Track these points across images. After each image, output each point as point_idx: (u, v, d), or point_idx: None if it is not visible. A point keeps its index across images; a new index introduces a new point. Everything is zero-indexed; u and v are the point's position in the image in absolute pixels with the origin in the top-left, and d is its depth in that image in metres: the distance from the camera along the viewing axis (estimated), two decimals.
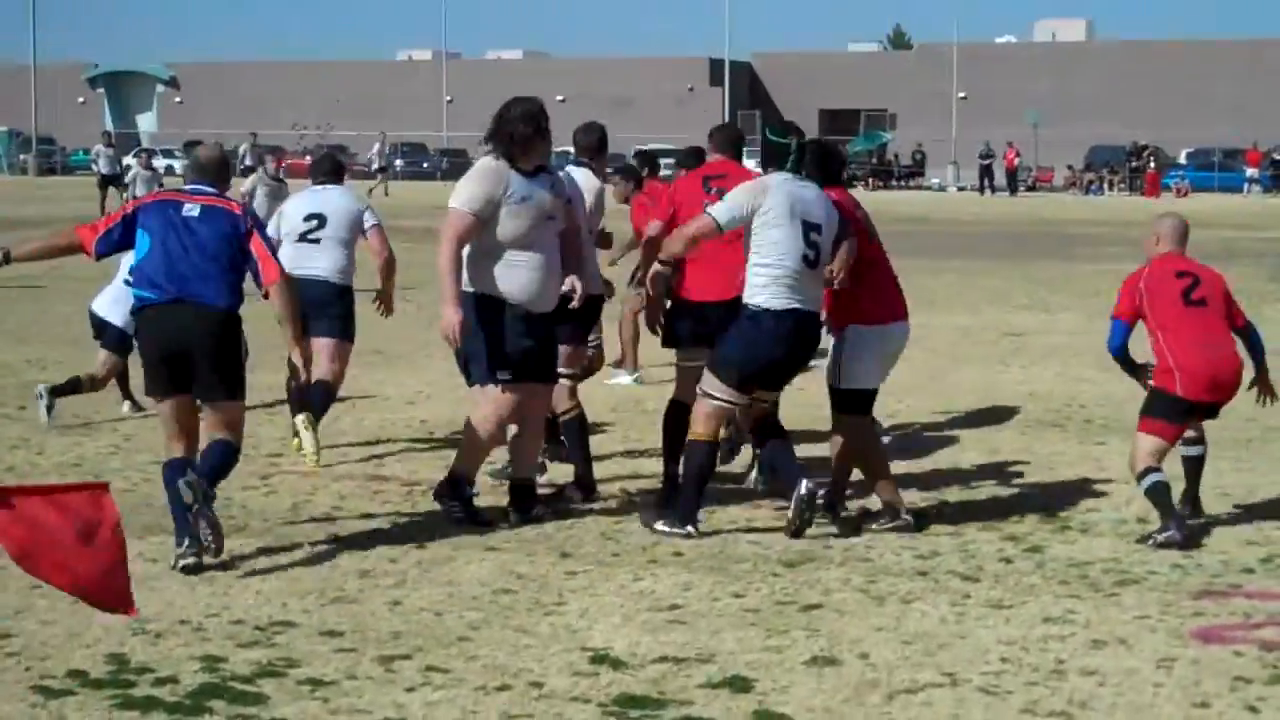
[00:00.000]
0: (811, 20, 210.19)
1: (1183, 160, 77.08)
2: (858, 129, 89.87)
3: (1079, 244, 34.71)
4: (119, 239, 8.32)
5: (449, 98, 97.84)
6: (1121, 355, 9.03)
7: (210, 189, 8.42)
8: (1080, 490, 9.90)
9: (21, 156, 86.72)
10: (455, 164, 73.91)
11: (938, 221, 44.89)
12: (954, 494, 9.79)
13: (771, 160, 8.93)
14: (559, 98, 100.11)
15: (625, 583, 7.74)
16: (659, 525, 8.68)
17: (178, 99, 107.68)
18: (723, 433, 9.26)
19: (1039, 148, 77.86)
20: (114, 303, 11.79)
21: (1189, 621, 7.13)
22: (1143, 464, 8.63)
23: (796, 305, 8.52)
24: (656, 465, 9.71)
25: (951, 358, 16.12)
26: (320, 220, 10.80)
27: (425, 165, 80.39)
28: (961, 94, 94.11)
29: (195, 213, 8.20)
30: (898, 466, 10.45)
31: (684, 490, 8.81)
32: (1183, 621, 7.13)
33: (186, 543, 7.89)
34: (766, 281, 8.52)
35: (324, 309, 10.49)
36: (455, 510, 8.94)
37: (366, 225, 11.06)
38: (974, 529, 8.88)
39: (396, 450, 11.11)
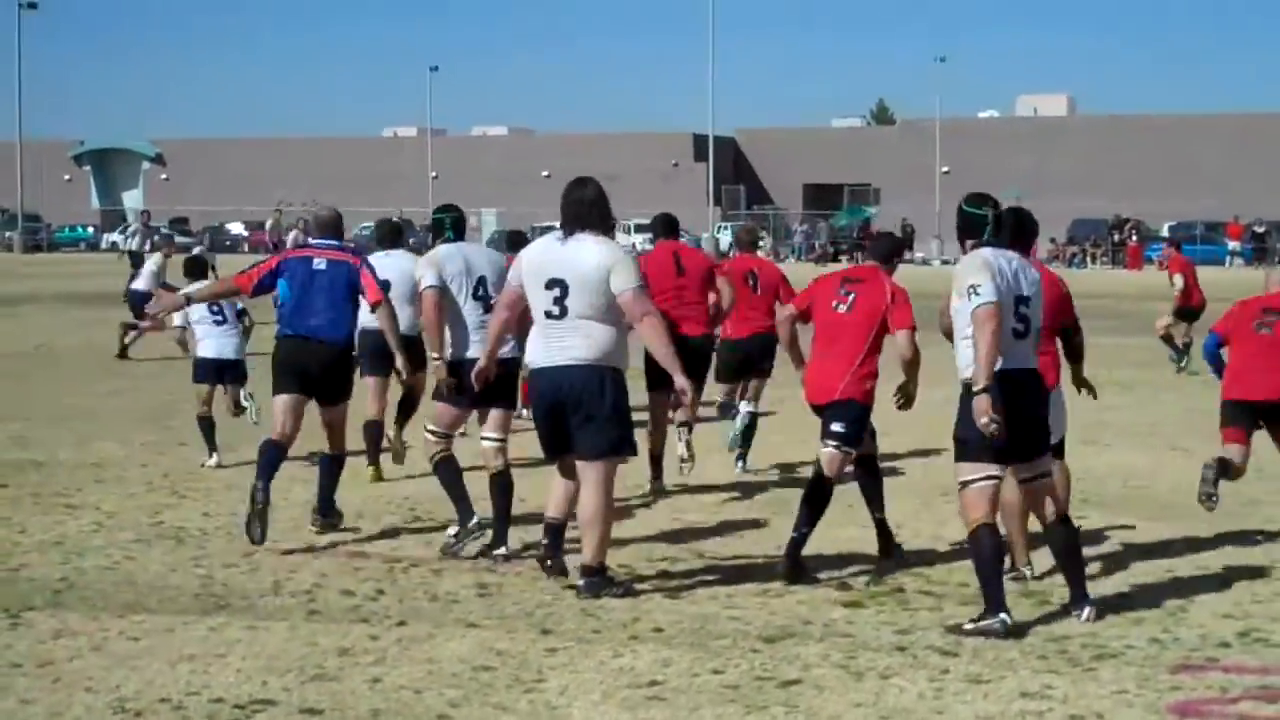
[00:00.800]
0: (795, 96, 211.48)
1: (1165, 233, 77.49)
2: (841, 203, 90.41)
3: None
4: (267, 284, 10.73)
5: (434, 174, 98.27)
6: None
7: (333, 243, 10.96)
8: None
9: (7, 234, 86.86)
10: None
11: (922, 296, 45.00)
12: (936, 571, 9.81)
13: (969, 232, 9.00)
14: (544, 173, 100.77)
15: (605, 659, 7.76)
16: (968, 626, 8.25)
17: (164, 175, 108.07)
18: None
19: None
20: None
21: (1166, 696, 7.16)
22: None
23: (1004, 368, 8.44)
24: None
25: (944, 434, 16.12)
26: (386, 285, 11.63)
27: (412, 241, 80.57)
28: (945, 169, 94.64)
29: (322, 266, 10.65)
30: (870, 536, 10.51)
31: (984, 579, 8.44)
32: (1160, 696, 7.16)
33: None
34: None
35: (384, 358, 12.13)
36: (617, 592, 9.04)
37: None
38: (953, 603, 8.91)
39: (379, 527, 11.12)
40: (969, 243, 9.03)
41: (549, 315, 8.96)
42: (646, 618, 8.56)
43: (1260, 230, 70.40)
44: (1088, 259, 71.19)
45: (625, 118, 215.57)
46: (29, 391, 19.45)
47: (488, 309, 10.14)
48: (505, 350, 9.76)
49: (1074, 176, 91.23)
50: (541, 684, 7.35)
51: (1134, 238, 70.92)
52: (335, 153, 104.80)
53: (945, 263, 73.73)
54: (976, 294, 8.46)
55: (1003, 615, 8.23)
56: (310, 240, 11.51)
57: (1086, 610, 8.53)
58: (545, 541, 9.47)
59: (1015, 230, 9.18)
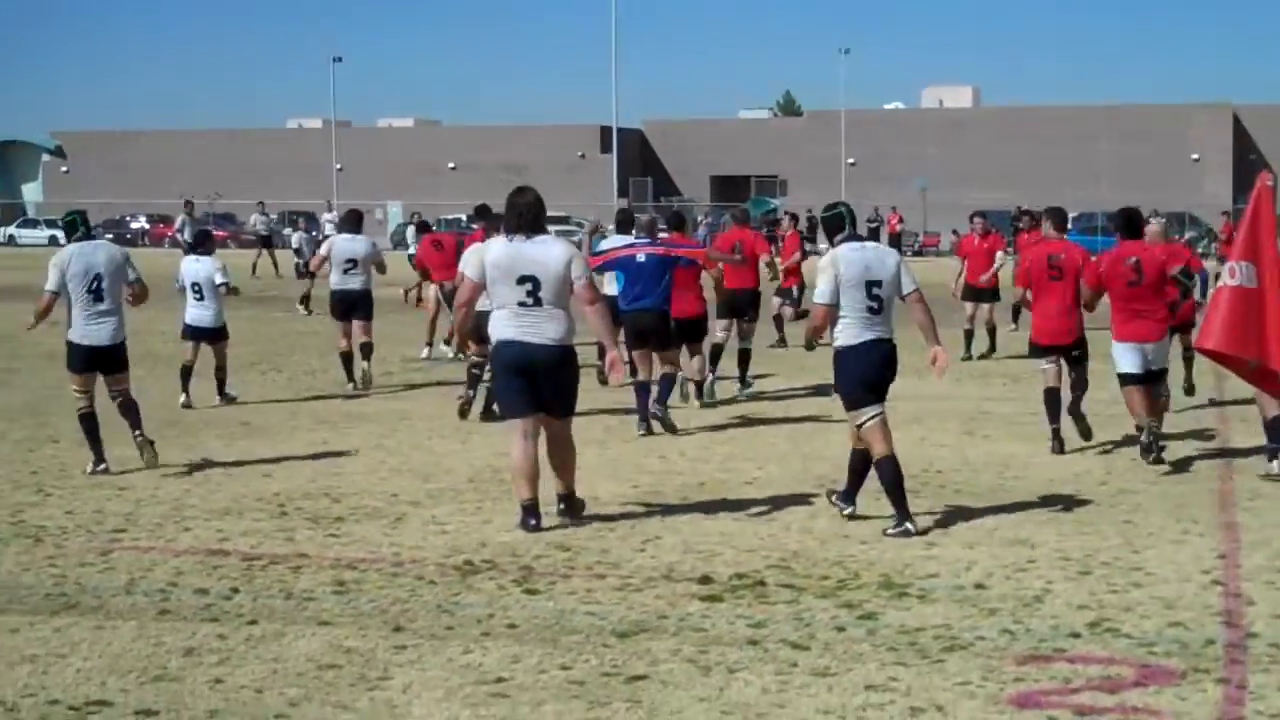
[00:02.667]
0: (702, 88, 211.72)
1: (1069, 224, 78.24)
2: (749, 194, 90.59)
3: (957, 308, 34.97)
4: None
5: (339, 165, 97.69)
6: None
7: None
8: (923, 556, 9.95)
9: None
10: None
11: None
12: (798, 562, 9.81)
13: (832, 233, 11.22)
14: (450, 165, 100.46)
15: (454, 656, 7.70)
16: (889, 531, 10.61)
17: (64, 168, 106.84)
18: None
19: (928, 212, 78.77)
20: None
21: (1009, 687, 7.18)
22: None
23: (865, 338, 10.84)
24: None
25: (818, 424, 16.19)
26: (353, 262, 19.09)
27: (315, 234, 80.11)
28: (851, 160, 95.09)
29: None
30: (746, 532, 10.52)
31: (893, 499, 10.79)
32: (1003, 687, 7.18)
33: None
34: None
35: (361, 304, 19.24)
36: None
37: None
38: (811, 596, 8.91)
39: (243, 524, 11.00)
40: (836, 238, 11.12)
41: (522, 304, 10.64)
42: (501, 614, 8.51)
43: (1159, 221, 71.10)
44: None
45: (532, 110, 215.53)
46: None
47: (98, 300, 12.94)
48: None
49: (979, 167, 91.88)
50: (386, 682, 7.29)
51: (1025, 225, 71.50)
52: (239, 145, 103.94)
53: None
54: (817, 291, 10.84)
55: (907, 524, 10.60)
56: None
57: (905, 526, 10.62)
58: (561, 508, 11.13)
59: (1127, 225, 13.75)
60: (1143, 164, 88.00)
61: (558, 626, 8.26)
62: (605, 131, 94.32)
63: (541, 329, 10.61)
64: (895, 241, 68.46)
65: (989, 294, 24.41)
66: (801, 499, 11.91)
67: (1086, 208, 78.36)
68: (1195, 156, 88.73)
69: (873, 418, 10.86)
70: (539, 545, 10.24)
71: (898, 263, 10.98)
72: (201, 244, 18.88)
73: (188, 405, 17.33)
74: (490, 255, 10.80)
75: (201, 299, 17.84)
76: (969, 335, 23.68)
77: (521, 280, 10.61)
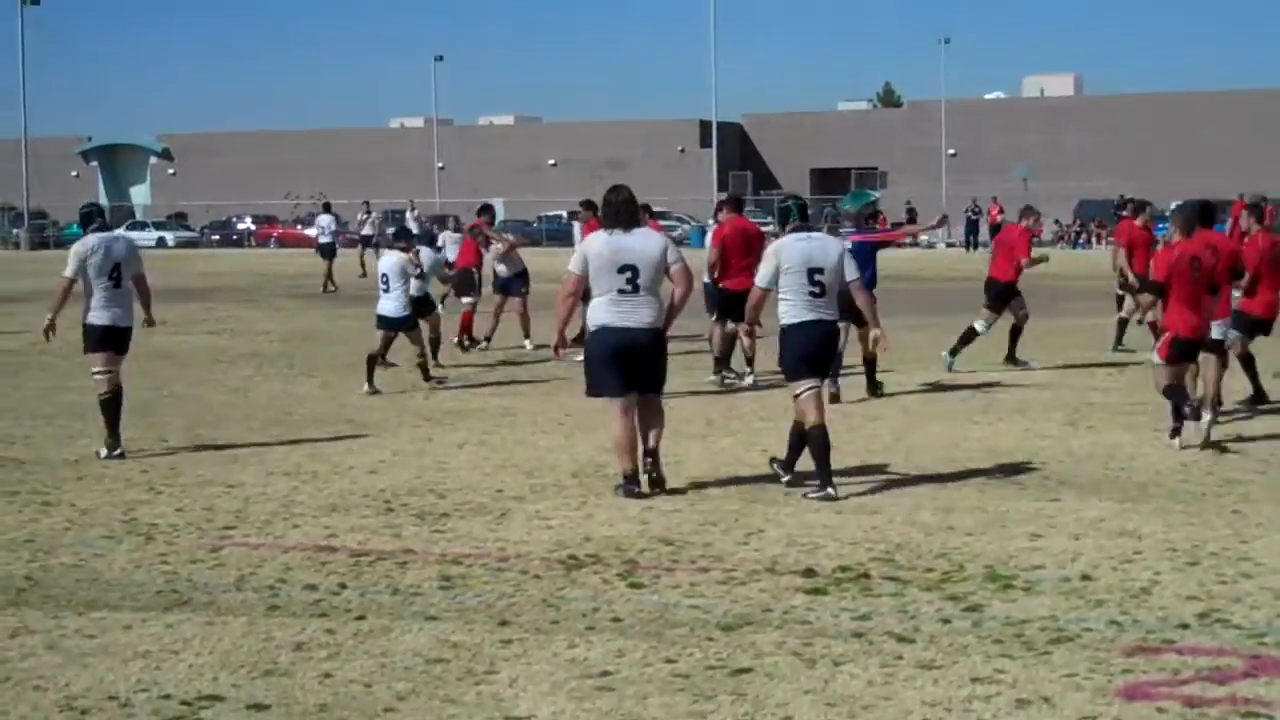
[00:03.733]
0: (801, 80, 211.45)
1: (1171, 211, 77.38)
2: (849, 186, 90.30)
3: (1064, 298, 34.78)
4: None
5: (441, 164, 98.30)
6: None
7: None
8: (1029, 548, 9.89)
9: (14, 231, 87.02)
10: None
11: (923, 278, 45.12)
12: (902, 554, 9.78)
13: (782, 223, 12.63)
14: (550, 161, 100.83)
15: (559, 650, 7.75)
16: (809, 495, 11.53)
17: (171, 170, 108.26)
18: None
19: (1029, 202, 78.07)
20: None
21: (1117, 679, 7.13)
22: None
23: (805, 319, 11.83)
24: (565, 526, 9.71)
25: (920, 415, 16.15)
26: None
27: (416, 233, 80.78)
28: (951, 151, 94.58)
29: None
30: (850, 525, 10.51)
31: (818, 464, 11.66)
32: (1110, 679, 7.13)
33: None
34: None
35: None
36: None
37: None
38: (916, 589, 8.89)
39: (351, 520, 11.11)
40: (786, 228, 12.32)
41: (621, 292, 11.63)
42: (606, 608, 8.55)
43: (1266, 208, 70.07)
44: (1093, 239, 70.92)
45: (632, 105, 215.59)
46: (22, 389, 19.48)
47: (117, 286, 13.93)
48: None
49: (1081, 156, 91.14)
50: (492, 676, 7.34)
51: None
52: (341, 144, 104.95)
53: (950, 246, 73.70)
54: (758, 275, 12.20)
55: (829, 489, 11.50)
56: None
57: (827, 490, 11.49)
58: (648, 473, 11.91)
59: (1203, 215, 14.65)
60: (1248, 150, 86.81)
61: (662, 620, 8.29)
62: (705, 125, 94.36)
63: (640, 314, 11.63)
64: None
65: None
66: (905, 491, 11.87)
67: (1189, 195, 77.46)
68: None
69: (809, 389, 11.82)
70: (643, 539, 10.28)
71: (840, 253, 12.04)
72: (400, 239, 20.19)
73: (372, 392, 18.39)
74: (592, 248, 11.74)
75: (388, 290, 18.74)
76: (1123, 325, 23.07)
77: (622, 269, 11.52)
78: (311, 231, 47.36)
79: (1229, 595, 8.64)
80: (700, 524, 10.75)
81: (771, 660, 7.52)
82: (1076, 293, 36.47)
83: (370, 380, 18.55)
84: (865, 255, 16.56)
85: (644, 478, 11.86)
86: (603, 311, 11.67)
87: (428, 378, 19.13)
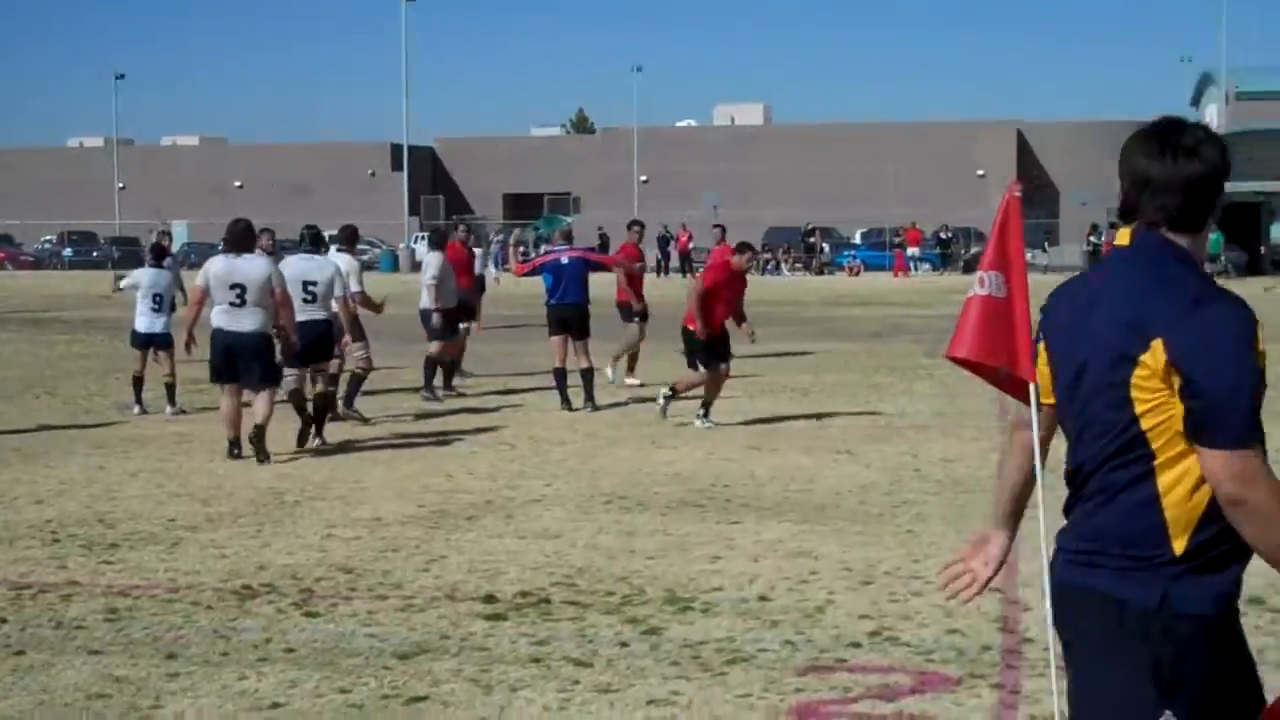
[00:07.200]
0: (495, 106, 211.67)
1: (857, 239, 79.49)
2: (541, 212, 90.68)
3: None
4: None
5: (121, 184, 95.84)
6: None
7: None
8: (709, 570, 9.96)
9: None
10: (127, 252, 72.50)
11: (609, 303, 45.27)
12: (583, 578, 9.76)
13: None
14: (236, 183, 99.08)
15: (229, 682, 7.52)
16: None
17: None
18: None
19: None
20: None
21: (790, 698, 7.20)
22: None
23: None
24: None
25: (607, 440, 16.19)
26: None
27: (95, 254, 78.80)
28: (643, 177, 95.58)
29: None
30: (532, 550, 10.45)
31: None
32: (783, 698, 7.19)
33: None
34: None
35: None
36: None
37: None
38: (596, 613, 8.87)
39: (14, 553, 10.64)
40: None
41: (232, 304, 14.55)
42: (280, 638, 8.33)
43: (946, 236, 72.36)
44: (781, 266, 72.35)
45: (322, 127, 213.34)
46: None
47: None
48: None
49: (770, 184, 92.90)
50: (157, 710, 7.09)
51: (825, 246, 72.57)
52: (17, 164, 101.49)
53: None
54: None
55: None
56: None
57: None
58: None
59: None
60: (930, 180, 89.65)
61: (337, 649, 8.11)
62: (396, 149, 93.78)
63: (244, 322, 14.52)
64: (685, 259, 68.62)
65: None
66: (588, 515, 11.87)
67: (875, 223, 79.66)
68: (981, 172, 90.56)
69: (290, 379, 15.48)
70: (321, 567, 10.07)
71: (333, 272, 15.86)
72: (159, 257, 19.83)
73: (142, 412, 18.42)
74: (213, 268, 14.82)
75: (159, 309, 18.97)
76: None
77: (233, 286, 14.54)
78: None
79: (900, 613, 8.81)
80: (380, 551, 10.59)
81: (448, 688, 7.41)
82: (761, 319, 37.05)
83: (139, 399, 18.57)
84: (577, 272, 18.88)
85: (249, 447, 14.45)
86: (218, 318, 14.61)
87: (172, 402, 18.66)
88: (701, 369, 17.12)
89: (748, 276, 17.88)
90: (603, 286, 20.94)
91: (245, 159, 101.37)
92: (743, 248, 17.99)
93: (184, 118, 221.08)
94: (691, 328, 17.06)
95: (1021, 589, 9.29)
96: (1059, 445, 4.08)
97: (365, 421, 17.27)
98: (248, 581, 9.67)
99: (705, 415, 17.13)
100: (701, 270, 18.82)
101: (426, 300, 19.73)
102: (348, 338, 16.81)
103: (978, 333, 4.57)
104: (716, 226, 30.55)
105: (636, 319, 22.09)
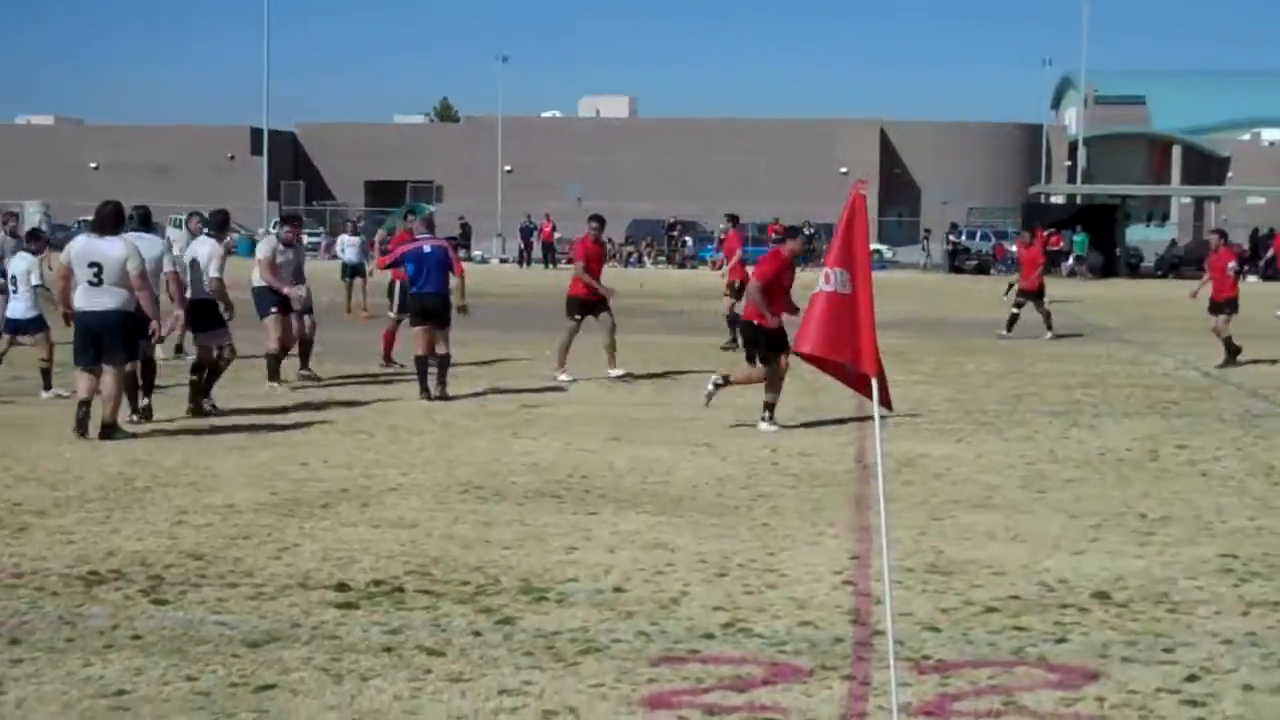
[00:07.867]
0: (358, 92, 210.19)
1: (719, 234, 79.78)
2: (403, 199, 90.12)
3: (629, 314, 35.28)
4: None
5: None
6: None
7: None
8: (564, 561, 9.94)
9: None
10: None
11: (478, 293, 45.12)
12: (438, 567, 9.70)
13: None
14: (92, 164, 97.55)
15: (74, 669, 7.39)
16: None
17: None
18: None
19: (582, 221, 79.37)
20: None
21: (642, 688, 7.20)
22: None
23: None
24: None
25: (464, 430, 16.11)
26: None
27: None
28: (507, 167, 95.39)
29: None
30: (387, 539, 10.37)
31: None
32: (635, 688, 7.19)
33: None
34: None
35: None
36: None
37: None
38: (450, 602, 8.82)
39: None
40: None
41: (90, 283, 14.75)
42: (127, 625, 8.20)
43: (809, 233, 72.79)
44: (644, 259, 72.50)
45: (181, 110, 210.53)
46: None
47: None
48: None
49: (635, 177, 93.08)
50: (0, 696, 6.94)
51: (689, 240, 72.77)
52: None
53: (503, 261, 74.24)
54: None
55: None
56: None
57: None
58: None
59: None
60: (795, 176, 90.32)
61: (185, 637, 8.00)
62: (256, 133, 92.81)
63: (103, 300, 14.71)
64: (548, 250, 68.58)
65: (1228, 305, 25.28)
66: (445, 505, 11.80)
67: (743, 218, 79.93)
68: (844, 169, 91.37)
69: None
70: (171, 554, 9.92)
71: (126, 253, 14.87)
72: (32, 240, 19.78)
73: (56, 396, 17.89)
74: (75, 248, 15.07)
75: (16, 292, 18.57)
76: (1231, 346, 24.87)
77: (91, 265, 14.77)
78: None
79: (754, 605, 8.85)
80: (232, 538, 10.46)
81: (297, 676, 7.34)
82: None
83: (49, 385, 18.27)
84: (439, 261, 18.78)
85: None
86: (79, 298, 14.86)
87: (48, 386, 18.30)
88: (760, 365, 16.76)
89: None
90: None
91: (102, 139, 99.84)
92: (793, 232, 18.02)
93: (39, 97, 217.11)
94: (757, 322, 16.74)
95: (873, 582, 9.38)
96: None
97: (216, 411, 17.02)
98: (95, 568, 9.51)
99: (770, 418, 16.58)
100: (753, 266, 17.97)
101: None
102: (171, 319, 16.76)
103: (822, 328, 4.60)
104: (730, 216, 30.78)
105: (605, 313, 21.60)
